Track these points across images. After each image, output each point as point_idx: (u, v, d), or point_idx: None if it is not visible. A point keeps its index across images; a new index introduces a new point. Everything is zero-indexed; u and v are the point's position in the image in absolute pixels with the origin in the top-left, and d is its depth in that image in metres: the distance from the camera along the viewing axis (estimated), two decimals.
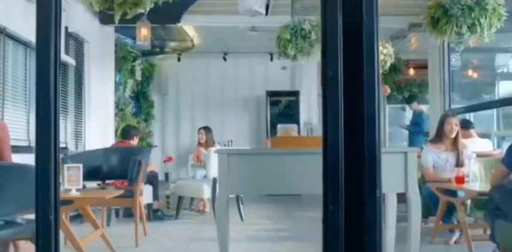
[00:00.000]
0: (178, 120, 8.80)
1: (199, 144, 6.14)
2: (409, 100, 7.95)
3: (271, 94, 8.56)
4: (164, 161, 6.22)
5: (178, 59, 8.42)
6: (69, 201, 2.89)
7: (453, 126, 3.99)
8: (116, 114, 6.41)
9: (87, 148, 5.53)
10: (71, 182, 3.04)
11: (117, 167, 4.07)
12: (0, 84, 3.62)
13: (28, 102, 4.18)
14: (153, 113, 8.40)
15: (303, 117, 8.41)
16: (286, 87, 8.75)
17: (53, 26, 1.64)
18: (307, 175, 1.88)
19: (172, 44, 7.86)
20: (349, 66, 1.72)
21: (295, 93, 8.52)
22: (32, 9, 4.58)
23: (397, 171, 2.20)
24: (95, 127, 5.88)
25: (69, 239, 2.87)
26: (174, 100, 8.77)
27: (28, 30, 4.09)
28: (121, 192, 3.28)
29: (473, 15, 3.90)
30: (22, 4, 4.10)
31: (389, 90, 7.41)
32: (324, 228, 1.69)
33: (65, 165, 3.06)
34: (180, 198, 5.22)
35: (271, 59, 8.51)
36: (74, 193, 3.04)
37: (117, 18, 3.38)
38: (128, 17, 3.46)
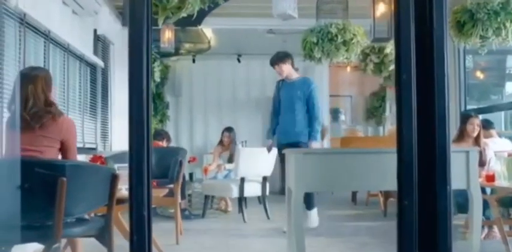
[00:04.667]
0: (191, 121, 8.89)
1: (221, 145, 6.22)
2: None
3: None
4: (189, 161, 6.32)
5: (193, 61, 8.52)
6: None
7: (475, 126, 4.16)
8: None
9: (113, 149, 5.64)
10: (121, 181, 3.14)
11: (154, 167, 4.17)
12: None
13: (66, 102, 4.28)
14: (168, 114, 8.50)
15: None
16: None
17: (145, 31, 1.73)
18: (378, 173, 2.00)
19: (187, 46, 7.96)
20: (421, 70, 1.85)
21: None
22: (68, 12, 4.65)
23: (460, 169, 2.33)
24: (118, 128, 5.98)
25: (125, 236, 2.97)
26: (188, 101, 8.86)
27: (65, 33, 4.19)
28: (166, 191, 3.39)
29: (499, 19, 4.04)
30: (59, 7, 4.20)
31: None
32: (398, 221, 1.81)
33: (116, 165, 3.17)
34: (207, 197, 5.34)
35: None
36: (124, 192, 3.14)
37: (160, 22, 3.50)
38: (171, 21, 3.58)
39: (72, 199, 2.18)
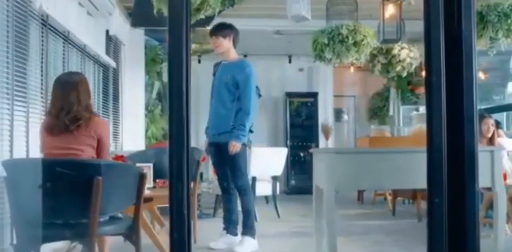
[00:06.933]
0: (198, 122, 8.92)
1: None
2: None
3: (290, 95, 8.72)
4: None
5: (199, 61, 8.57)
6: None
7: (489, 126, 4.22)
8: (145, 116, 6.57)
9: (124, 149, 5.68)
10: None
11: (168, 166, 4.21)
12: None
13: None
14: None
15: (320, 118, 8.63)
16: (303, 89, 8.92)
17: (185, 31, 1.77)
18: (407, 171, 2.06)
19: (193, 46, 8.01)
20: (450, 72, 1.91)
21: (313, 95, 8.71)
22: (83, 13, 4.71)
23: (484, 168, 2.39)
24: (127, 128, 6.03)
25: (150, 235, 3.03)
26: (194, 101, 8.87)
27: (82, 34, 4.23)
28: None
29: (509, 21, 4.12)
30: (76, 8, 4.24)
31: None
32: (429, 218, 1.86)
33: (137, 165, 3.22)
34: (218, 196, 5.39)
35: (290, 61, 8.69)
36: (145, 192, 3.19)
37: None
38: (190, 22, 3.62)
39: (107, 198, 2.23)
